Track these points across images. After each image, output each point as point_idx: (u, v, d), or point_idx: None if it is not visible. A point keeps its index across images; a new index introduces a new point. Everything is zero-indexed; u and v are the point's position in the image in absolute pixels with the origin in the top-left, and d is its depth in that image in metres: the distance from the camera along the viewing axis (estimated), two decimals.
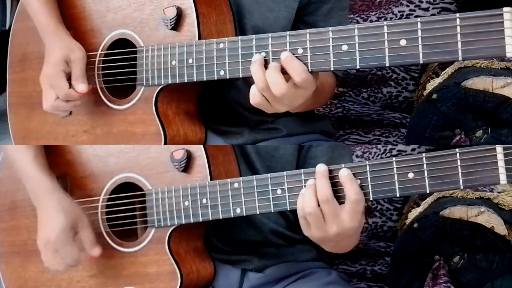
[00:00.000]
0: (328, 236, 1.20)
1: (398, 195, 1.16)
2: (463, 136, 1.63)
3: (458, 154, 1.10)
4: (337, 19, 1.51)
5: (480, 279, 1.54)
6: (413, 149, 1.90)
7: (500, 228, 1.53)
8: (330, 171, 1.19)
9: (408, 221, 1.68)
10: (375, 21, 2.06)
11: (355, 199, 1.16)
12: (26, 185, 1.45)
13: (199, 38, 1.34)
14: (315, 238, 1.22)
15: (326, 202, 1.18)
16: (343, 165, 1.19)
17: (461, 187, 1.11)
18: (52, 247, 1.37)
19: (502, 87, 1.59)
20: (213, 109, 1.48)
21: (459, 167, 1.10)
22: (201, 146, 1.35)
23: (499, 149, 1.08)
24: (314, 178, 1.19)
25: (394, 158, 1.15)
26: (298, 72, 1.17)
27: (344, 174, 1.18)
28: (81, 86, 1.40)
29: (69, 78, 1.41)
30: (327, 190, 1.18)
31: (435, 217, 1.56)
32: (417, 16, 2.02)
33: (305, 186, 1.21)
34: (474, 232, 1.53)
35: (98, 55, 1.46)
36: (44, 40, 1.46)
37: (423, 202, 1.66)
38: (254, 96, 1.22)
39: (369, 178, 1.17)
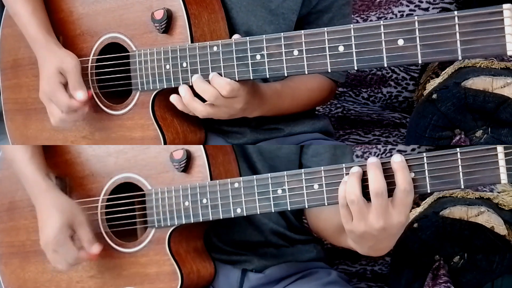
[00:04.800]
0: (371, 231, 1.12)
1: None
2: (463, 136, 1.63)
3: (459, 154, 1.09)
4: None
5: (480, 279, 1.54)
6: (413, 149, 1.90)
7: (500, 228, 1.53)
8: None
9: (408, 221, 1.68)
10: (375, 21, 2.06)
11: (405, 189, 1.09)
12: (24, 185, 1.45)
13: (192, 40, 1.32)
14: (355, 233, 1.14)
15: (380, 195, 1.10)
16: (343, 165, 1.17)
17: (462, 187, 1.10)
18: (51, 248, 1.37)
19: (502, 87, 1.59)
20: None
21: (460, 166, 1.09)
22: (201, 146, 1.35)
23: (499, 148, 1.06)
24: (359, 166, 1.13)
25: None
26: (222, 87, 1.25)
27: (398, 160, 1.10)
28: (80, 94, 1.38)
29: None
30: (382, 182, 1.10)
31: (435, 217, 1.56)
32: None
33: (306, 186, 1.21)
34: (474, 232, 1.53)
35: (90, 60, 1.44)
36: (35, 52, 1.44)
37: (423, 202, 1.66)
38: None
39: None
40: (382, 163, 1.13)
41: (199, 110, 1.30)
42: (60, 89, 1.38)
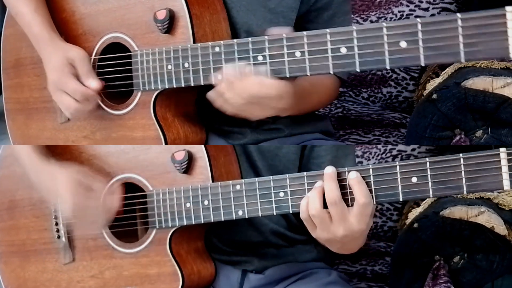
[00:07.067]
0: (335, 238, 1.20)
1: (401, 199, 1.15)
2: (463, 136, 1.63)
3: (462, 159, 1.09)
4: (340, 25, 1.45)
5: (480, 279, 1.54)
6: (413, 149, 1.90)
7: (500, 228, 1.53)
8: (338, 174, 1.19)
9: (408, 221, 1.68)
10: (375, 21, 2.06)
11: (364, 202, 1.16)
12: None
13: (194, 41, 1.32)
14: (321, 239, 1.23)
15: (334, 204, 1.17)
16: (346, 169, 1.19)
17: (465, 192, 1.10)
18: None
19: (502, 87, 1.59)
20: (215, 109, 1.48)
21: (463, 172, 1.09)
22: (202, 146, 1.35)
23: (503, 154, 1.06)
24: (322, 181, 1.19)
25: (397, 162, 1.15)
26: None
27: (353, 177, 1.17)
28: (94, 83, 1.39)
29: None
30: (335, 192, 1.17)
31: (435, 217, 1.56)
32: (417, 17, 2.02)
33: (308, 189, 1.21)
34: (474, 232, 1.53)
35: (92, 60, 1.44)
36: (39, 50, 1.45)
37: (423, 202, 1.67)
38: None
39: (372, 182, 1.17)
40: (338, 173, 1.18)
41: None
42: (72, 79, 1.39)
